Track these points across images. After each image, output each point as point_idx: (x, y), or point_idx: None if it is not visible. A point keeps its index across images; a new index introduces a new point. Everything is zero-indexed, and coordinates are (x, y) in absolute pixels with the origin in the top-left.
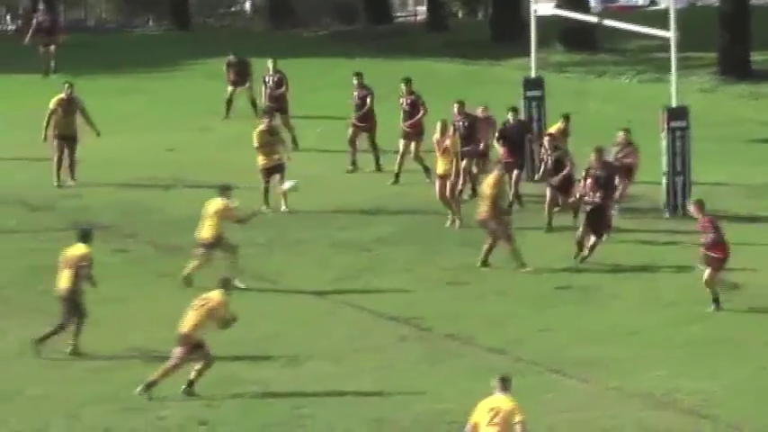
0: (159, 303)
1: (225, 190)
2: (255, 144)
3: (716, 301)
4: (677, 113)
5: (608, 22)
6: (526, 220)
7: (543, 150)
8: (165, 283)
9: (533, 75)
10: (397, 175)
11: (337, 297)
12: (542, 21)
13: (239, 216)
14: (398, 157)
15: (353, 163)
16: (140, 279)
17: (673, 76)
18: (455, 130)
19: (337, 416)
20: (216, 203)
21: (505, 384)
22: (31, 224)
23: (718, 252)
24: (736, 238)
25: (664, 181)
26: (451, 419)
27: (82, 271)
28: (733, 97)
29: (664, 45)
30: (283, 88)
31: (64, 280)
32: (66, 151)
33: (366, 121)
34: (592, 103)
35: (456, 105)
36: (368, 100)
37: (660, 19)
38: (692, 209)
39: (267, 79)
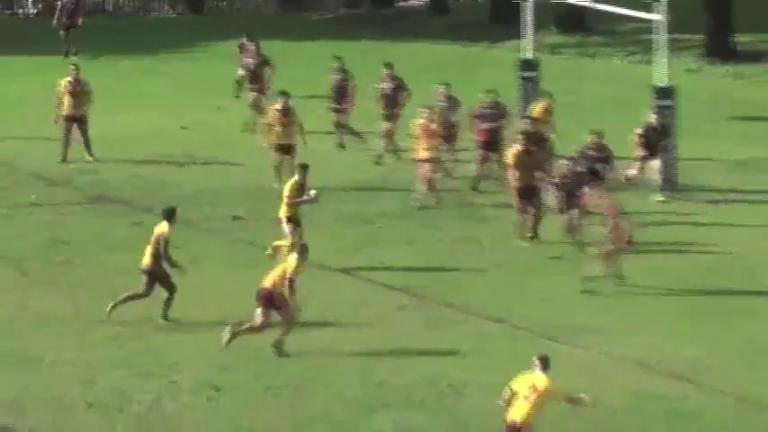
0: (173, 274)
1: (304, 168)
2: (268, 122)
3: (618, 277)
4: (665, 92)
5: (600, 6)
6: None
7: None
8: (179, 255)
9: (529, 56)
10: (396, 153)
11: (343, 268)
12: (537, 4)
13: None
14: (387, 138)
15: (341, 144)
16: None
17: (661, 58)
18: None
19: (341, 380)
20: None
21: (545, 364)
22: (50, 199)
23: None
24: (719, 217)
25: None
26: (449, 383)
27: (158, 248)
28: (718, 77)
29: (652, 27)
30: (267, 73)
31: (146, 256)
32: (77, 131)
33: (343, 103)
34: (585, 84)
35: (441, 87)
36: (347, 84)
37: (650, 2)
38: (594, 198)
39: (249, 62)
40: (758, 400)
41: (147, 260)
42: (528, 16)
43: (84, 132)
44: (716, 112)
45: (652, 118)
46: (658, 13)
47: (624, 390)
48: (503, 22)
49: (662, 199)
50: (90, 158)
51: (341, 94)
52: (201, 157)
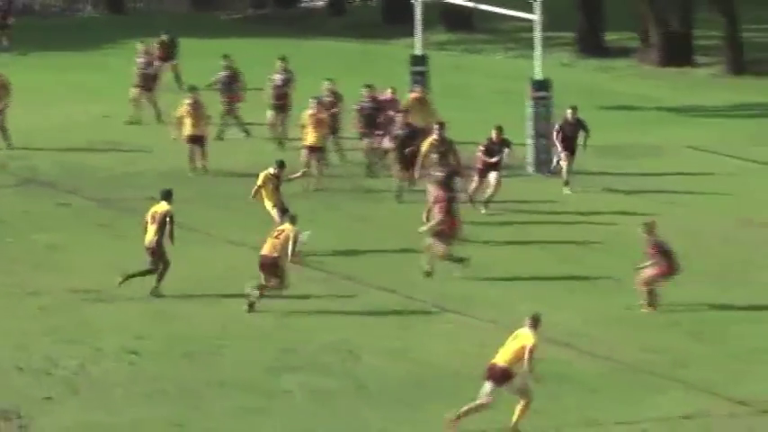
0: (98, 250)
1: (281, 164)
2: (180, 115)
3: (459, 261)
4: (541, 85)
5: (482, 6)
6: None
7: (396, 125)
8: (103, 232)
9: (418, 53)
10: (281, 141)
11: (254, 244)
12: (426, 4)
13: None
14: (273, 127)
15: (245, 131)
16: (81, 229)
17: (538, 53)
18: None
19: (251, 346)
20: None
21: (534, 323)
22: None
23: (445, 226)
24: (591, 198)
25: (530, 143)
26: (349, 348)
27: (163, 225)
28: (589, 71)
29: (531, 26)
30: (153, 69)
31: (150, 233)
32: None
33: (232, 97)
34: (470, 77)
35: (326, 83)
36: (235, 79)
37: (528, 3)
38: (432, 189)
39: (141, 62)
40: (625, 360)
41: (150, 237)
42: (418, 15)
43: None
44: (588, 103)
45: (568, 113)
46: (535, 12)
47: None
48: (395, 21)
49: (569, 192)
50: (6, 145)
51: (229, 88)
52: (123, 143)
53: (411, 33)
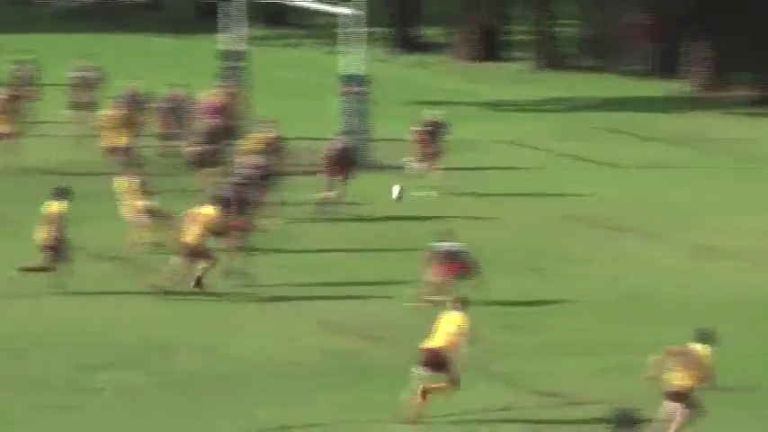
0: None
1: (136, 168)
2: None
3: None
4: (354, 80)
5: (296, 3)
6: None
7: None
8: None
9: (231, 48)
10: (86, 138)
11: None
12: (240, 2)
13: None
14: (78, 125)
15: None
16: None
17: (352, 48)
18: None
19: (63, 343)
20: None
21: (455, 305)
22: None
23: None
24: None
25: (344, 139)
26: (163, 344)
27: (59, 224)
28: (406, 66)
29: (347, 21)
30: None
31: (43, 233)
32: None
33: (27, 95)
34: (285, 72)
35: (130, 82)
36: (31, 75)
37: None
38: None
39: None
40: None
41: (46, 236)
42: (229, 11)
43: None
44: (405, 97)
45: (429, 115)
46: (351, 8)
47: (311, 347)
48: (210, 16)
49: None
50: None
51: (26, 83)
52: None
53: (227, 28)
